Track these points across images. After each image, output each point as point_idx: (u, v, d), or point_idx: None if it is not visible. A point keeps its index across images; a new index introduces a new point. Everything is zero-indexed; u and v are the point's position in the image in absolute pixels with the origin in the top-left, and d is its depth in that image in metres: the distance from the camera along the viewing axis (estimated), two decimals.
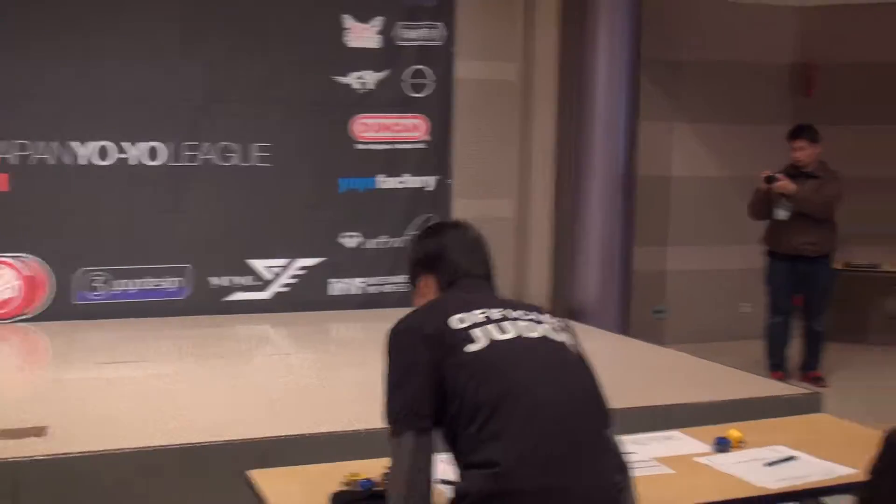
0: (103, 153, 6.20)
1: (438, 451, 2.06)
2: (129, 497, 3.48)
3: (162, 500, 3.52)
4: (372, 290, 6.86)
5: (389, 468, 2.09)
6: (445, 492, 2.16)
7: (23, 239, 6.10)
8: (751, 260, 7.22)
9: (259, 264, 6.61)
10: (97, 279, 6.27)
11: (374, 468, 2.53)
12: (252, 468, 2.66)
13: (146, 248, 6.35)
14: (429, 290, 2.31)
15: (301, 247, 6.71)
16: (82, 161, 6.16)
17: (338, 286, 6.80)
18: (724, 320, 8.09)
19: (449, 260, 2.29)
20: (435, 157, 6.99)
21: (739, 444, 2.82)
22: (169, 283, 6.42)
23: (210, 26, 6.36)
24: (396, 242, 6.88)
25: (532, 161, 7.29)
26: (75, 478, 3.42)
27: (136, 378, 4.88)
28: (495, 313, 2.13)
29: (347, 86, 6.71)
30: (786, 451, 2.76)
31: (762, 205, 6.57)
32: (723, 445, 2.78)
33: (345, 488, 2.48)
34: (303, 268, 6.71)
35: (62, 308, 6.16)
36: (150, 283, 6.38)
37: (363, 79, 6.76)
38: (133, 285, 6.35)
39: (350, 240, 6.81)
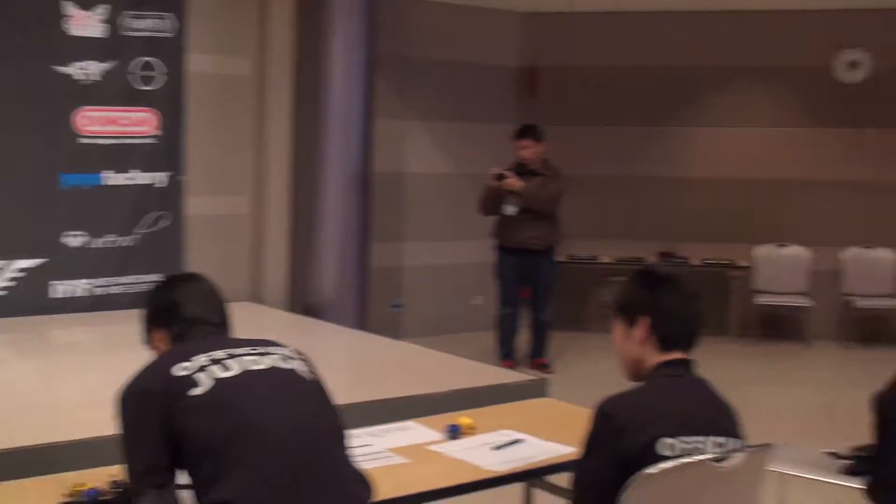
0: None
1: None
2: None
3: None
4: (99, 291, 6.53)
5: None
6: None
7: None
8: (482, 254, 7.52)
9: None
10: None
11: (100, 477, 2.42)
12: None
13: None
14: (163, 344, 2.30)
15: (19, 247, 6.27)
16: None
17: (61, 288, 6.41)
18: (457, 313, 8.38)
19: (181, 312, 2.29)
20: (166, 152, 6.75)
21: (470, 431, 2.92)
22: None
23: None
24: (125, 241, 6.59)
25: (268, 157, 7.21)
26: None
27: None
28: (219, 354, 2.14)
29: (69, 76, 6.34)
30: (513, 435, 2.89)
31: (492, 201, 6.86)
32: (454, 433, 2.88)
33: (68, 500, 2.36)
34: (21, 269, 6.27)
35: None
36: None
37: (87, 69, 6.41)
38: None
39: (74, 239, 6.44)
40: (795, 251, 8.49)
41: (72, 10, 6.32)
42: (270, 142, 7.20)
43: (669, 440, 2.15)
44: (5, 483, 2.53)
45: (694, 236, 8.59)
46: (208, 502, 1.99)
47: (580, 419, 3.06)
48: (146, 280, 6.61)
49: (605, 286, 8.62)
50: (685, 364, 2.34)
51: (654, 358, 2.32)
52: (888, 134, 8.39)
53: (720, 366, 7.64)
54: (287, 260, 7.31)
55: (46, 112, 6.28)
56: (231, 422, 2.01)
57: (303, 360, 2.26)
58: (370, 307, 7.22)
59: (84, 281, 6.48)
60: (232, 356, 2.13)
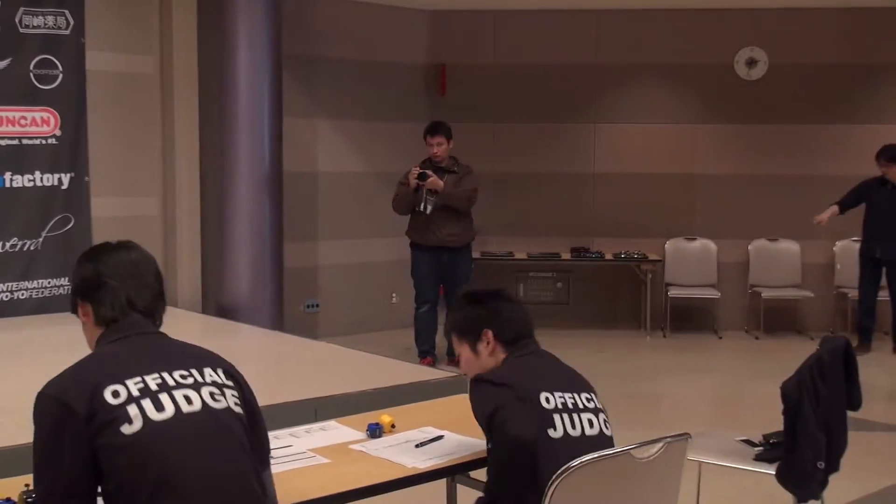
0: None
1: None
2: None
3: None
4: (2, 297, 6.31)
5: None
6: None
7: None
8: (397, 252, 7.49)
9: None
10: None
11: (14, 487, 2.31)
12: None
13: None
14: (88, 319, 2.19)
15: None
16: None
17: None
18: (375, 311, 8.34)
19: (108, 288, 2.16)
20: (69, 153, 6.55)
21: (391, 429, 2.89)
22: None
23: None
24: (30, 245, 6.38)
25: (176, 157, 7.06)
26: None
27: None
28: (152, 381, 2.03)
29: None
30: (434, 432, 2.88)
31: (408, 200, 6.82)
32: (375, 431, 2.85)
33: None
34: None
35: None
36: None
37: None
38: None
39: None
40: (704, 244, 8.68)
41: None
42: (178, 141, 7.05)
43: (547, 394, 2.46)
44: None
45: (606, 231, 8.71)
46: None
47: None
48: (52, 284, 6.42)
49: (521, 282, 8.69)
50: (533, 343, 2.67)
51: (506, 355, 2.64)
52: (788, 129, 8.63)
53: (635, 358, 7.80)
54: (199, 262, 7.18)
55: None
56: (155, 473, 1.94)
57: (233, 383, 2.16)
58: (285, 308, 7.13)
59: None
60: (165, 385, 2.04)
